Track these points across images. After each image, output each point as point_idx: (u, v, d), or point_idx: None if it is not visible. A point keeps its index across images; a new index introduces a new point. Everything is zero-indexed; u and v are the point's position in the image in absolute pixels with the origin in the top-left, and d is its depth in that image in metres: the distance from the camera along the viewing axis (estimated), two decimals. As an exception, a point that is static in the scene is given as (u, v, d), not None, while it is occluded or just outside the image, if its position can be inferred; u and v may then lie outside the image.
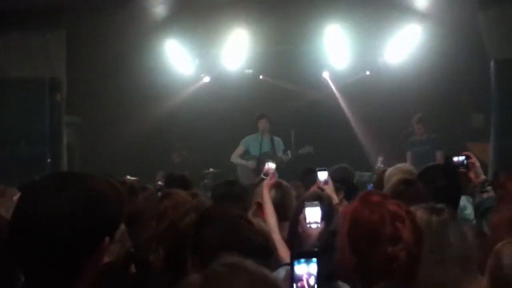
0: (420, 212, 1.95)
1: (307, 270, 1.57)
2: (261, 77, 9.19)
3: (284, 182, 3.59)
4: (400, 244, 1.59)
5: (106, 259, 1.57)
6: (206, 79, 9.41)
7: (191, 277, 1.12)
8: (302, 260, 1.60)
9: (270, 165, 3.62)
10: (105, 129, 8.95)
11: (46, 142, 7.21)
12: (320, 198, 2.96)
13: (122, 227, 2.56)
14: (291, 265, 1.63)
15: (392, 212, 1.64)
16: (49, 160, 7.10)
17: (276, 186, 3.40)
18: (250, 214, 3.27)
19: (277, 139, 7.71)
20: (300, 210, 2.85)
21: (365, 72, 8.93)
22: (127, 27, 8.31)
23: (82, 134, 9.08)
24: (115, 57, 8.64)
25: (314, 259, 1.60)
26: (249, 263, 1.13)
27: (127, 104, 8.97)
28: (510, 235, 2.18)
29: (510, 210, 2.34)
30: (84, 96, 8.72)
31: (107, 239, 1.33)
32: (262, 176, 3.53)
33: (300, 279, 1.56)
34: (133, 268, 2.42)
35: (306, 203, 2.85)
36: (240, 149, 7.80)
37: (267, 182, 3.34)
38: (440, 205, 2.04)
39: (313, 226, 2.72)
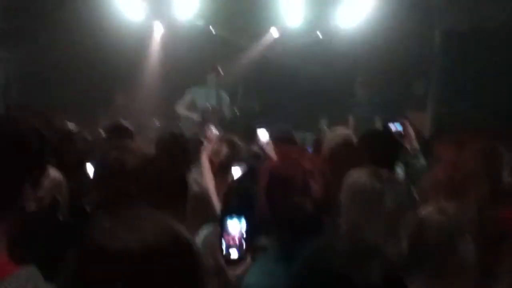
0: (360, 174, 2.02)
1: (237, 226, 1.65)
2: (210, 27, 9.01)
3: (236, 139, 3.64)
4: (309, 197, 1.72)
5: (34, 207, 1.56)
6: (159, 30, 9.12)
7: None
8: (234, 216, 1.68)
9: (213, 132, 3.60)
10: (44, 67, 8.51)
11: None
12: (258, 157, 3.02)
13: (58, 175, 2.53)
14: (222, 221, 1.70)
15: (305, 168, 1.77)
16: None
17: (228, 142, 3.45)
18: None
19: (224, 95, 7.67)
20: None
21: (316, 33, 8.95)
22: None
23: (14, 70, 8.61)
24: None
25: (242, 218, 1.68)
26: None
27: (68, 43, 8.52)
28: (437, 197, 2.31)
29: (438, 174, 2.47)
30: (21, 30, 8.23)
31: (27, 185, 1.30)
32: (205, 142, 3.51)
33: (230, 235, 1.64)
34: (60, 216, 2.41)
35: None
36: (186, 99, 7.67)
37: (207, 149, 3.39)
38: (381, 169, 2.12)
39: None
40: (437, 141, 2.76)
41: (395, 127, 3.51)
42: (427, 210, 1.96)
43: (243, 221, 1.70)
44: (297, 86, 8.85)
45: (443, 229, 1.84)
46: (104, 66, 8.67)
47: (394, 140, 3.44)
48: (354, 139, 3.56)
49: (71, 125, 5.58)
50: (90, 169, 2.87)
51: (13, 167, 1.29)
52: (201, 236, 2.42)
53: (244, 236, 1.67)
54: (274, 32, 9.15)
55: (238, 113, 7.58)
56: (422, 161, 3.34)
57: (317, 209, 1.80)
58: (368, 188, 1.94)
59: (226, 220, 1.72)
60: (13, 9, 7.71)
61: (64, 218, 2.50)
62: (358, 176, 2.00)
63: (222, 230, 1.69)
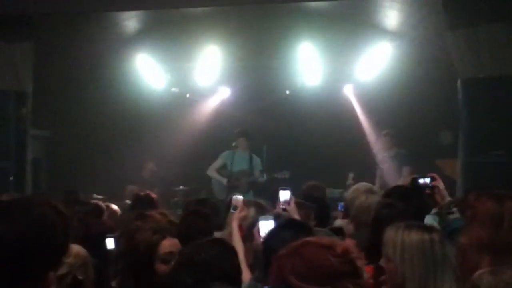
0: (415, 232, 2.20)
1: None
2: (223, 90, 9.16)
3: (263, 202, 3.58)
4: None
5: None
6: (186, 96, 9.30)
7: None
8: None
9: (238, 198, 3.55)
10: (74, 143, 8.77)
11: (10, 157, 6.95)
12: (278, 217, 2.94)
13: (82, 251, 2.48)
14: None
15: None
16: (11, 178, 6.84)
17: (256, 205, 3.40)
18: (222, 235, 3.25)
19: (256, 158, 7.64)
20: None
21: (338, 89, 8.97)
22: (98, 40, 8.19)
23: (50, 148, 8.88)
24: (85, 70, 8.50)
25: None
26: None
27: (96, 117, 8.81)
28: (478, 257, 2.19)
29: (479, 232, 2.34)
30: (52, 109, 8.55)
31: (52, 272, 1.30)
32: (232, 210, 3.46)
33: None
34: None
35: (260, 216, 2.90)
36: (218, 163, 7.72)
37: (236, 215, 3.31)
38: (430, 225, 2.14)
39: None
40: (473, 194, 2.63)
41: (424, 182, 3.41)
42: (479, 272, 1.83)
43: None
44: (324, 141, 8.77)
45: None
46: (129, 141, 8.86)
47: (423, 196, 3.35)
48: (377, 192, 3.50)
49: (98, 199, 5.61)
50: (112, 243, 2.81)
51: (42, 251, 1.28)
52: None
53: None
54: (296, 92, 9.16)
55: (266, 175, 7.49)
56: (456, 214, 3.20)
57: None
58: (422, 242, 2.06)
59: None
60: (46, 92, 7.99)
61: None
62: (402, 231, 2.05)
63: None
